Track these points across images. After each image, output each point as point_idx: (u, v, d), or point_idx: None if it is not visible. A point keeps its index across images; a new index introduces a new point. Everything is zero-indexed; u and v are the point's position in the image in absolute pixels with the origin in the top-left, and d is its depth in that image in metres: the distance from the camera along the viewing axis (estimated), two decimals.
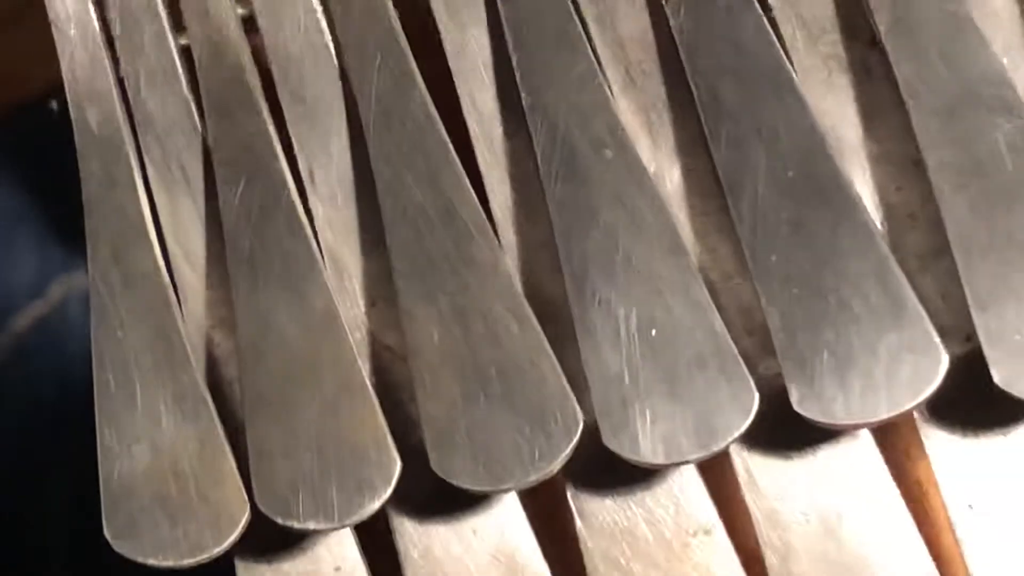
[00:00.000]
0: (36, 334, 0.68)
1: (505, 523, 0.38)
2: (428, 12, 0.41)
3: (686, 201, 0.39)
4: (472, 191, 0.39)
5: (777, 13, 0.39)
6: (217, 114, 0.41)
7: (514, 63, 0.39)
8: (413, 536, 0.38)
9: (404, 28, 0.41)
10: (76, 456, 0.64)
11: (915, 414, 0.36)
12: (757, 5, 0.39)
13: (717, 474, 0.37)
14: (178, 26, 0.43)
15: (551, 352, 0.37)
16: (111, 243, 0.40)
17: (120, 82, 0.42)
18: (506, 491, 0.37)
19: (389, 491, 0.37)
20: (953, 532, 0.36)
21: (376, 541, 0.39)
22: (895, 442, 0.38)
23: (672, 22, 0.39)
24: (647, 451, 0.36)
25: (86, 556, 0.63)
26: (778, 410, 0.36)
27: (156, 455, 0.38)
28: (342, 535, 0.39)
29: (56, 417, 0.66)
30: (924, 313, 0.35)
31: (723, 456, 0.36)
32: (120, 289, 0.40)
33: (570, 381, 0.36)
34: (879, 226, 0.37)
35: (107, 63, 0.42)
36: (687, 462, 0.36)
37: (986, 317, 0.35)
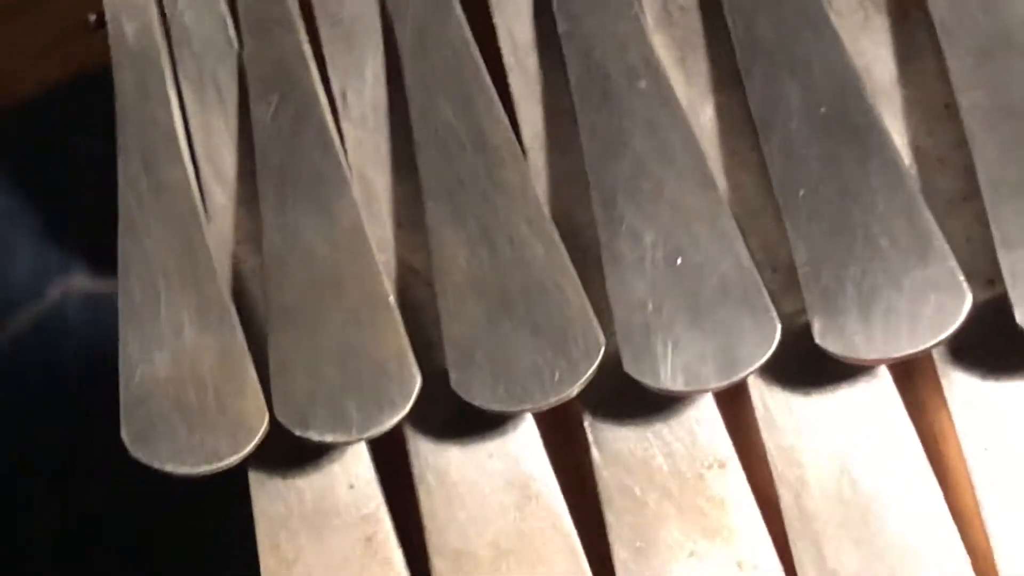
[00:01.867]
0: (33, 334, 0.69)
1: (521, 449, 0.38)
2: None
3: (717, 137, 0.39)
4: (505, 117, 0.39)
5: None
6: (253, 32, 0.41)
7: None
8: (428, 458, 0.38)
9: None
10: (67, 452, 0.64)
11: (934, 358, 0.37)
12: None
13: (735, 408, 0.38)
14: None
15: (576, 276, 0.37)
16: (141, 153, 0.40)
17: None
18: (525, 412, 0.37)
19: (408, 406, 0.37)
20: (968, 474, 0.36)
21: (391, 462, 0.39)
22: (913, 391, 0.38)
23: None
24: (667, 378, 0.36)
25: (70, 554, 0.63)
26: (799, 348, 0.36)
27: (177, 363, 0.38)
28: (357, 454, 0.39)
29: (52, 417, 0.66)
30: (950, 252, 0.35)
31: (741, 391, 0.37)
32: (149, 199, 0.40)
33: (594, 307, 0.37)
34: (909, 168, 0.37)
35: None
36: (707, 390, 0.36)
37: (1012, 257, 0.35)
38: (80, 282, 0.69)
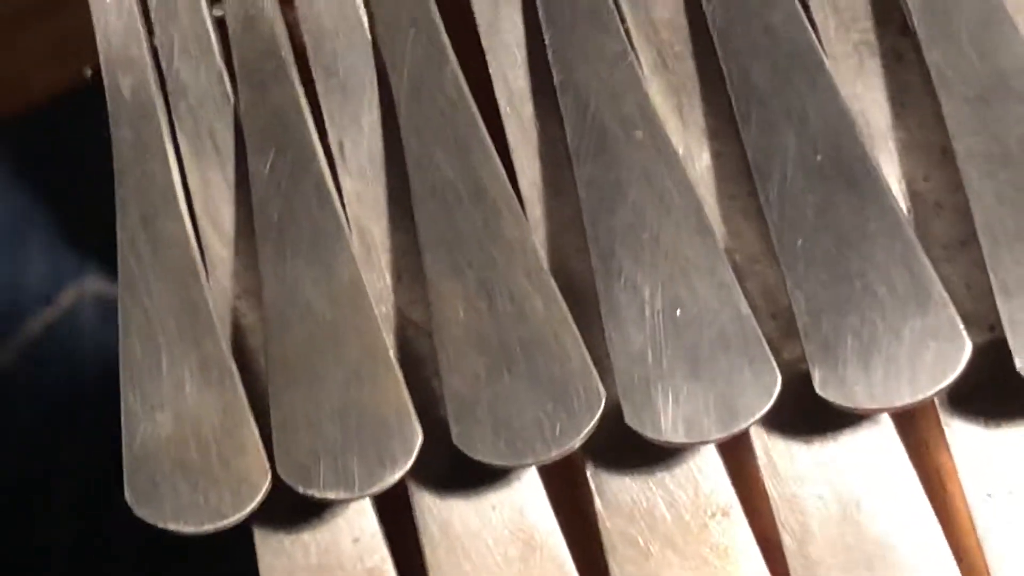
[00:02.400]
0: (47, 340, 0.69)
1: (525, 500, 0.38)
2: None
3: (714, 184, 0.39)
4: (502, 168, 0.39)
5: None
6: (249, 85, 0.41)
7: (546, 41, 0.40)
8: (432, 510, 0.38)
9: (438, 3, 0.41)
10: (84, 461, 0.64)
11: (936, 403, 0.36)
12: None
13: (737, 455, 0.38)
14: None
15: (575, 329, 0.37)
16: (140, 210, 0.40)
17: (154, 51, 0.42)
18: (527, 466, 0.37)
19: (410, 463, 0.37)
20: (971, 521, 0.36)
21: (395, 514, 0.39)
22: (915, 431, 0.38)
23: (705, 5, 0.39)
24: (668, 430, 0.36)
25: (89, 560, 0.63)
26: (800, 394, 0.36)
27: (179, 421, 0.38)
28: (362, 507, 0.39)
29: (65, 422, 0.66)
30: (948, 300, 0.35)
31: (743, 438, 0.37)
32: (148, 256, 0.40)
33: (594, 359, 0.37)
34: (906, 214, 0.37)
35: (142, 31, 0.43)
36: (708, 442, 0.36)
37: (1011, 306, 0.35)
38: (94, 286, 0.69)
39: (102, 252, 0.69)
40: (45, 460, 0.66)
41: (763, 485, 0.37)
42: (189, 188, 0.41)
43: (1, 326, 0.69)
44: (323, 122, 0.41)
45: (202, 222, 0.41)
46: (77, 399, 0.66)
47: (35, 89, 0.70)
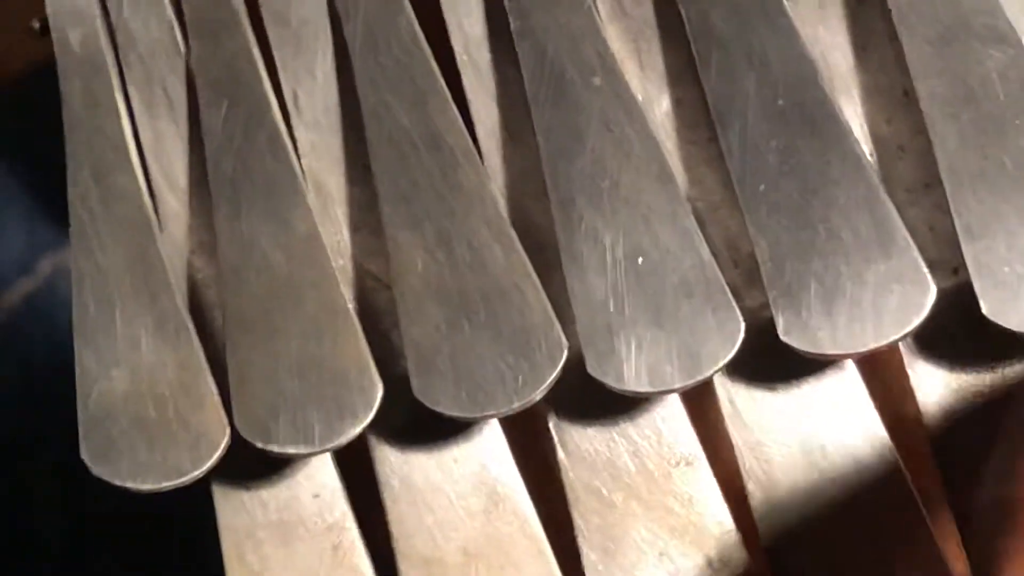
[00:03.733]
0: (25, 310, 0.68)
1: (487, 452, 0.38)
2: None
3: (674, 130, 0.38)
4: (459, 117, 0.38)
5: None
6: (200, 36, 0.41)
7: None
8: (393, 464, 0.38)
9: None
10: (67, 432, 0.64)
11: (901, 348, 0.36)
12: None
13: (700, 404, 0.37)
14: None
15: (536, 279, 0.36)
16: (91, 164, 0.40)
17: (103, 2, 0.42)
18: (488, 418, 0.37)
19: (370, 416, 0.36)
20: (935, 464, 0.36)
21: (356, 469, 0.38)
22: (880, 373, 0.38)
23: None
24: (631, 379, 0.35)
25: (78, 532, 0.63)
26: (763, 342, 0.36)
27: (135, 378, 0.38)
28: (321, 462, 0.38)
29: (47, 393, 0.66)
30: (912, 243, 0.35)
31: (707, 387, 0.36)
32: (100, 211, 0.39)
33: (555, 309, 0.36)
34: (869, 158, 0.37)
35: None
36: (672, 391, 0.35)
37: (975, 248, 0.34)
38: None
39: None
40: (28, 429, 0.65)
41: (727, 433, 0.37)
42: (141, 141, 0.41)
43: None
44: (276, 72, 0.40)
45: (155, 176, 0.40)
46: (57, 368, 0.66)
47: (14, 62, 0.69)
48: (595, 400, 0.37)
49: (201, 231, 0.40)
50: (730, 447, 0.37)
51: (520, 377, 0.36)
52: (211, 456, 0.37)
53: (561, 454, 0.37)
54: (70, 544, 0.63)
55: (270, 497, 0.38)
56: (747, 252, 0.36)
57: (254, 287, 0.38)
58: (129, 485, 0.37)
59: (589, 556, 0.37)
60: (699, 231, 0.36)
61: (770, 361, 0.36)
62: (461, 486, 0.38)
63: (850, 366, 0.36)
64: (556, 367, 0.36)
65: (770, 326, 0.35)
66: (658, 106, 0.38)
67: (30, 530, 0.64)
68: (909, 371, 0.36)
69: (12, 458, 0.66)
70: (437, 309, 0.37)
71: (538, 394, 0.36)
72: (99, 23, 0.41)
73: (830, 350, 0.35)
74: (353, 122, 0.40)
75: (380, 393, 0.36)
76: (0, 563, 0.65)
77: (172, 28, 0.41)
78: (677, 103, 0.38)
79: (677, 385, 0.35)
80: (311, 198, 0.39)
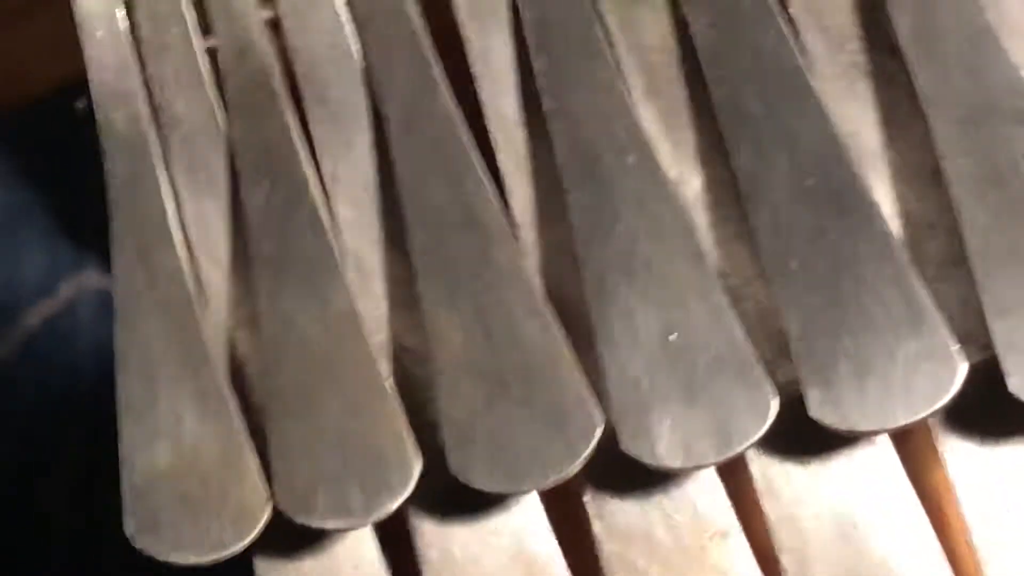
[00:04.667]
0: (45, 332, 0.68)
1: (525, 525, 0.38)
2: (452, 15, 0.41)
3: (706, 207, 0.39)
4: (494, 195, 0.39)
5: (798, 21, 0.39)
6: (241, 116, 0.41)
7: (536, 68, 0.40)
8: (432, 536, 0.38)
9: (428, 29, 0.41)
10: (82, 454, 0.64)
11: (930, 422, 0.37)
12: (778, 13, 0.39)
13: (735, 476, 0.38)
14: (204, 28, 0.43)
15: (571, 355, 0.37)
16: (136, 243, 0.40)
17: (146, 83, 0.43)
18: (524, 493, 0.37)
19: (409, 490, 0.37)
20: (969, 541, 0.36)
21: (395, 541, 0.39)
22: (912, 450, 0.38)
23: (693, 29, 0.39)
24: (665, 455, 0.36)
25: (87, 554, 0.63)
26: (795, 416, 0.36)
27: (178, 453, 0.38)
28: (362, 534, 0.39)
29: (64, 415, 0.66)
30: (942, 321, 0.35)
31: (740, 460, 0.37)
32: (144, 288, 0.40)
33: (591, 383, 0.37)
34: (898, 235, 0.37)
35: (133, 64, 0.43)
36: (705, 466, 0.36)
37: (1003, 326, 0.35)
38: (92, 279, 0.69)
39: (101, 245, 0.69)
40: (45, 451, 0.66)
41: (760, 506, 0.37)
42: (184, 221, 0.41)
43: (0, 318, 0.69)
44: (315, 151, 0.41)
45: (198, 254, 0.41)
46: (76, 390, 0.66)
47: (34, 81, 0.70)
48: (630, 474, 0.37)
49: (243, 307, 0.41)
50: (764, 520, 0.37)
51: (555, 452, 0.36)
52: (253, 530, 0.38)
53: (597, 527, 0.38)
54: (85, 565, 0.63)
55: (311, 568, 0.39)
56: (778, 327, 0.37)
57: (293, 363, 0.38)
58: (173, 559, 0.38)
59: None
60: (731, 308, 0.36)
61: (802, 435, 0.37)
62: (499, 558, 0.38)
63: (883, 438, 0.37)
64: (591, 442, 0.36)
65: (802, 400, 0.36)
66: (691, 184, 0.39)
67: (45, 550, 0.65)
68: (939, 446, 0.36)
69: (28, 478, 0.66)
70: (473, 385, 0.37)
71: (573, 469, 0.36)
72: (142, 104, 0.42)
73: (861, 426, 0.35)
74: (391, 199, 0.40)
75: (419, 468, 0.37)
76: None
77: (214, 109, 0.42)
78: (709, 181, 0.39)
79: (710, 461, 0.36)
80: (350, 274, 0.39)
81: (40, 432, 0.66)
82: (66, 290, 0.69)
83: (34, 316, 0.69)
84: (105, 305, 0.68)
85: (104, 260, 0.68)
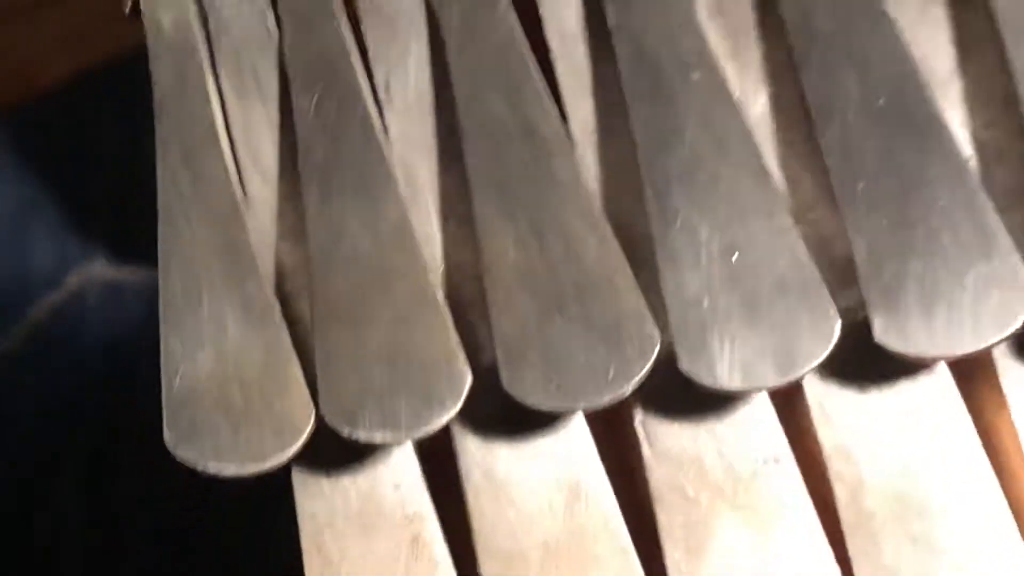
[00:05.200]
0: (53, 324, 0.68)
1: (571, 447, 0.37)
2: None
3: (771, 128, 0.38)
4: (554, 107, 0.38)
5: None
6: (293, 22, 0.40)
7: None
8: (476, 456, 0.38)
9: None
10: (91, 445, 0.64)
11: (994, 356, 0.36)
12: None
13: (789, 404, 0.37)
14: None
15: (629, 272, 0.36)
16: (181, 146, 0.40)
17: None
18: (578, 411, 0.36)
19: (459, 405, 0.36)
20: None
21: (438, 461, 0.38)
22: (974, 389, 0.37)
23: None
24: (724, 377, 0.35)
25: (98, 547, 0.63)
26: (856, 344, 0.35)
27: (220, 361, 0.37)
28: (403, 454, 0.38)
29: (72, 407, 0.66)
30: (1013, 247, 0.34)
31: (796, 387, 0.36)
32: (189, 193, 0.39)
33: (648, 303, 0.36)
34: (969, 161, 0.36)
35: None
36: (765, 389, 0.35)
37: None
38: (100, 270, 0.69)
39: (108, 236, 0.69)
40: (53, 442, 0.65)
41: (815, 439, 0.36)
42: (231, 126, 0.41)
43: (8, 310, 0.69)
44: (369, 59, 0.40)
45: (244, 161, 0.40)
46: (84, 381, 0.66)
47: (43, 77, 0.70)
48: (682, 397, 0.36)
49: (289, 217, 0.40)
50: (818, 450, 0.36)
51: (611, 370, 0.35)
52: (295, 442, 0.37)
53: (647, 451, 0.37)
54: (94, 559, 0.63)
55: (351, 485, 0.38)
56: (840, 252, 0.36)
57: (342, 274, 0.38)
58: (211, 468, 0.37)
59: (672, 555, 0.36)
60: (795, 229, 0.36)
61: (862, 363, 0.36)
62: (544, 480, 0.37)
63: (943, 370, 0.36)
64: (648, 361, 0.35)
65: (864, 328, 0.35)
66: (755, 103, 0.38)
67: (54, 545, 0.64)
68: (1002, 379, 0.36)
69: (36, 471, 0.66)
70: (528, 301, 0.36)
71: (629, 388, 0.35)
72: (191, 7, 0.41)
73: (927, 352, 0.34)
74: (445, 111, 0.39)
75: (468, 382, 0.36)
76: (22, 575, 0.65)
77: (264, 14, 0.41)
78: (775, 100, 0.38)
79: (771, 383, 0.35)
80: (402, 186, 0.39)
81: (48, 423, 0.66)
82: (73, 281, 0.69)
83: (42, 307, 0.69)
84: (113, 296, 0.68)
85: (112, 252, 0.68)
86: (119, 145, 0.66)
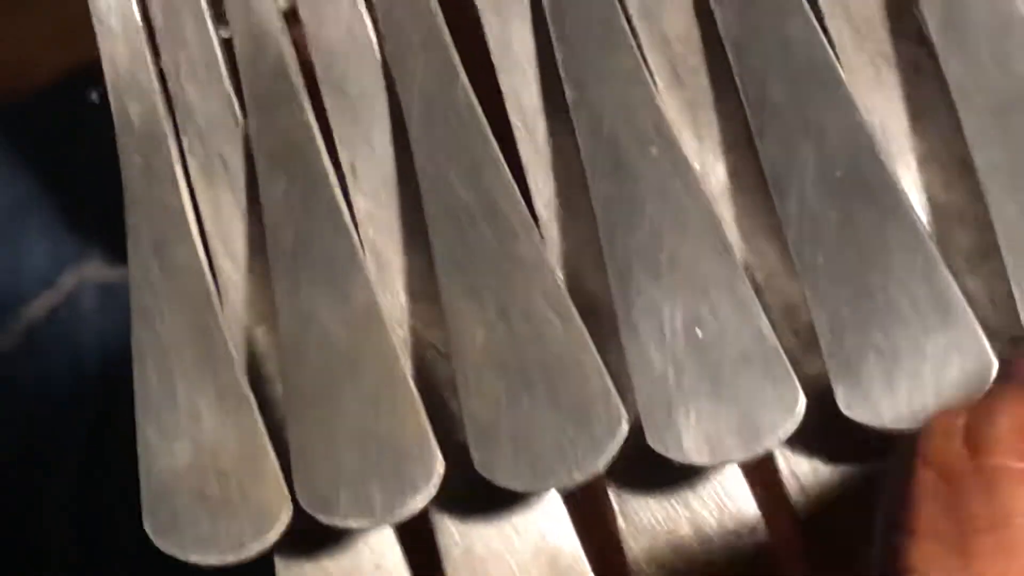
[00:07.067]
0: (47, 324, 0.68)
1: (547, 522, 0.38)
2: (471, 4, 0.41)
3: (731, 199, 0.38)
4: (515, 187, 0.38)
5: (825, 10, 0.38)
6: (258, 107, 0.41)
7: (558, 58, 0.39)
8: (454, 533, 0.38)
9: (447, 20, 0.40)
10: (85, 446, 0.64)
11: None
12: (805, 2, 0.38)
13: (761, 471, 0.37)
14: (220, 18, 0.42)
15: (594, 350, 0.36)
16: (152, 237, 0.40)
17: (161, 75, 0.42)
18: (549, 490, 0.37)
19: (432, 490, 0.36)
20: None
21: (417, 538, 0.39)
22: None
23: (718, 18, 0.38)
24: (691, 451, 0.35)
25: (91, 547, 0.63)
26: (824, 409, 0.36)
27: (197, 452, 0.38)
28: (383, 533, 0.38)
29: (67, 407, 0.66)
30: (971, 314, 0.34)
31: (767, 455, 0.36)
32: (160, 283, 0.39)
33: (614, 379, 0.36)
34: (927, 226, 0.37)
35: (148, 56, 0.42)
36: (731, 462, 0.35)
37: None
38: (95, 271, 0.69)
39: (103, 236, 0.68)
40: (47, 442, 0.66)
41: (789, 501, 0.37)
42: (200, 213, 0.41)
43: (2, 310, 0.69)
44: (334, 143, 0.41)
45: (214, 248, 0.41)
46: (78, 382, 0.66)
47: (38, 73, 0.70)
48: (655, 470, 0.37)
49: (261, 303, 0.40)
50: (792, 512, 0.37)
51: (580, 449, 0.36)
52: (273, 530, 0.37)
53: (622, 524, 0.37)
54: (85, 557, 0.63)
55: (332, 567, 0.38)
56: (804, 320, 0.36)
57: (314, 360, 0.38)
58: (193, 559, 0.37)
59: None
60: (757, 301, 0.36)
61: (830, 428, 0.36)
62: (522, 556, 0.38)
63: None
64: (616, 439, 0.36)
65: (830, 393, 0.35)
66: (715, 175, 0.38)
67: (46, 543, 0.64)
68: None
69: (31, 469, 0.66)
70: (496, 381, 0.37)
71: (599, 466, 0.36)
72: (157, 96, 0.42)
73: (891, 422, 0.35)
74: (411, 191, 0.40)
75: (441, 467, 0.36)
76: (15, 574, 0.65)
77: (230, 100, 0.42)
78: (734, 172, 0.38)
79: (737, 457, 0.35)
80: (370, 268, 0.39)
81: (42, 423, 0.66)
82: (68, 281, 0.69)
83: (37, 307, 0.68)
84: (107, 297, 0.68)
85: (107, 252, 0.68)
86: (115, 144, 0.65)
